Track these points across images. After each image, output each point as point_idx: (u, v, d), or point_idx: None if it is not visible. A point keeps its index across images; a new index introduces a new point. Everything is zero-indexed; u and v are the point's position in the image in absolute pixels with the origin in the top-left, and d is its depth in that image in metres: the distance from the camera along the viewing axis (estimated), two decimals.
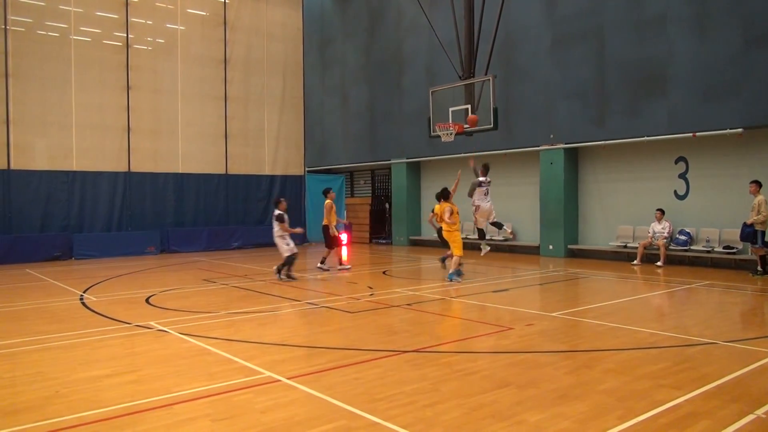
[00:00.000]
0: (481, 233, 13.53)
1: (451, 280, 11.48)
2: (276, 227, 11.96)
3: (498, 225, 13.56)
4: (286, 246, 11.87)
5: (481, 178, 12.88)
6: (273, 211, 12.31)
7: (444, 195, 11.91)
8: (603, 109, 15.38)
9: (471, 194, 12.97)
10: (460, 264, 11.72)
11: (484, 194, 12.80)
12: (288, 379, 5.29)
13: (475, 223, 13.34)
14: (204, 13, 20.36)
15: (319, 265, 13.61)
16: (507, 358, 5.94)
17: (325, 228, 13.61)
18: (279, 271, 12.09)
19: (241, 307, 9.00)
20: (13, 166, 16.72)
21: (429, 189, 20.64)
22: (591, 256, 15.97)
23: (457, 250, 11.70)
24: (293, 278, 11.99)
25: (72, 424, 4.34)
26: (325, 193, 13.99)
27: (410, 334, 7.20)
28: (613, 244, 15.46)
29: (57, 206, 17.35)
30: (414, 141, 20.26)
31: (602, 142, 15.44)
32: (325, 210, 13.56)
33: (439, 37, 15.65)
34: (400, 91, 21.20)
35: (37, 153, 17.21)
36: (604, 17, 15.28)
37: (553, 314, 8.23)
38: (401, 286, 11.11)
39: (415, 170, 21.35)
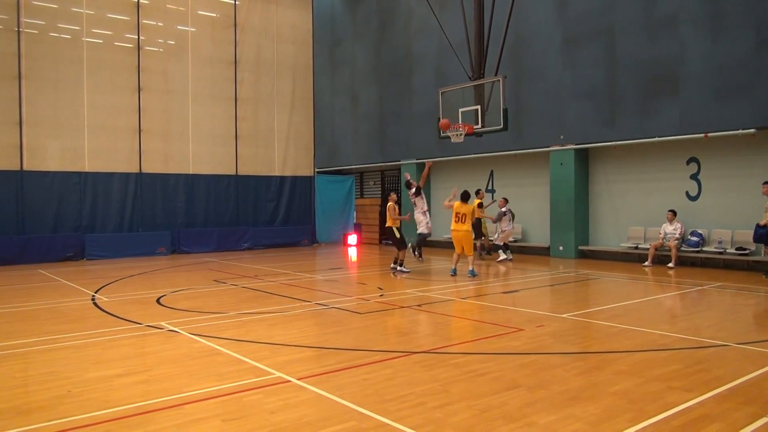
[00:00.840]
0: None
1: (474, 275, 12.28)
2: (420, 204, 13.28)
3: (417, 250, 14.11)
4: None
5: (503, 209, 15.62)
6: (410, 192, 13.88)
7: (467, 197, 12.55)
8: (614, 110, 15.29)
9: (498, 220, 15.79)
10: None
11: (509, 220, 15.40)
12: (298, 379, 5.30)
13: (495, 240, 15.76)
14: (214, 15, 20.46)
15: (399, 268, 13.21)
16: (517, 360, 5.92)
17: (389, 229, 13.51)
18: (414, 250, 13.43)
19: (252, 308, 9.03)
20: (26, 168, 16.87)
21: (439, 190, 20.62)
22: (602, 258, 15.88)
23: (472, 250, 12.53)
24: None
25: (83, 424, 4.37)
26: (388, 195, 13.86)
27: (420, 335, 7.19)
28: (624, 245, 15.37)
29: (69, 207, 17.49)
30: (423, 142, 20.25)
31: (613, 143, 15.36)
32: (388, 212, 13.36)
33: (449, 37, 15.65)
34: (409, 91, 21.20)
35: (50, 154, 17.36)
36: (615, 17, 15.20)
37: (564, 315, 8.19)
38: (411, 287, 11.11)
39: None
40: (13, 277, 13.46)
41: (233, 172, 20.75)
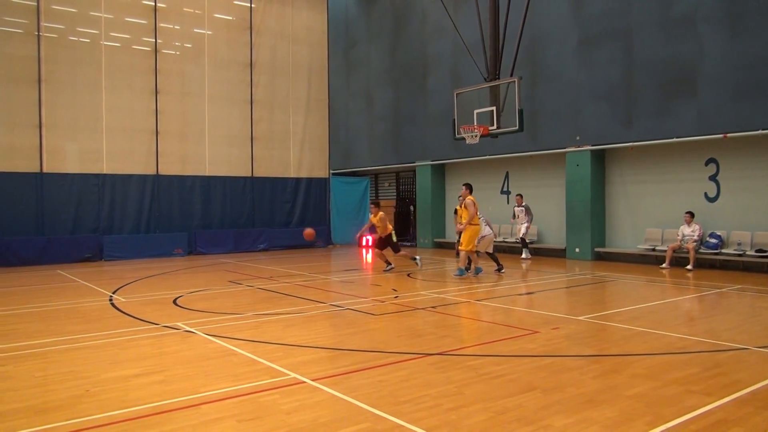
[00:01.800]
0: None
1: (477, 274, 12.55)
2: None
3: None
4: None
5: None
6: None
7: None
8: (631, 110, 15.16)
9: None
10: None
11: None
12: (313, 380, 5.31)
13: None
14: (230, 18, 20.60)
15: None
16: (533, 362, 5.89)
17: (387, 237, 13.88)
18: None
19: (267, 309, 9.08)
20: (45, 170, 17.11)
21: (454, 191, 20.57)
22: (618, 260, 15.74)
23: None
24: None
25: (101, 423, 4.42)
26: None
27: (435, 336, 7.17)
28: (642, 247, 15.22)
29: (88, 208, 17.71)
30: (439, 143, 20.22)
31: (630, 144, 15.22)
32: (382, 222, 13.71)
33: (464, 38, 15.63)
34: (424, 93, 21.18)
35: (69, 156, 17.59)
36: (631, 17, 15.07)
37: (580, 318, 8.13)
38: (426, 289, 11.09)
39: (439, 172, 21.30)
40: (34, 278, 13.65)
41: (249, 174, 20.87)
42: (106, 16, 18.14)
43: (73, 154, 17.68)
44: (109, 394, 5.07)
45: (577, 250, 16.40)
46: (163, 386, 5.27)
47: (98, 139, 18.01)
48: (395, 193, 24.10)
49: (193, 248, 19.15)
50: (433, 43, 20.86)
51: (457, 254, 13.55)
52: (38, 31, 16.99)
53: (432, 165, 20.93)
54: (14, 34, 16.77)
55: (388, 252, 14.21)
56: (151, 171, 18.87)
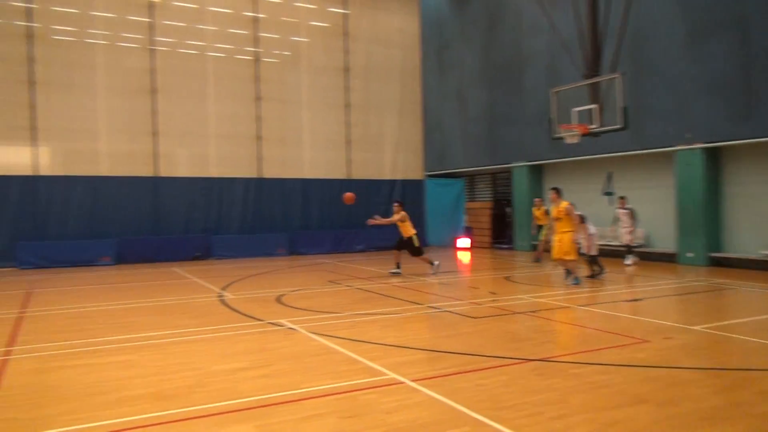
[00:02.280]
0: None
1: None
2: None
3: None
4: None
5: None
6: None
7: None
8: (749, 104, 14.01)
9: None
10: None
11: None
12: (412, 381, 5.32)
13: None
14: (326, 25, 21.16)
15: (396, 270, 13.62)
16: (642, 373, 5.57)
17: (408, 240, 13.74)
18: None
19: (365, 309, 9.21)
20: (160, 174, 18.37)
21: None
22: (737, 266, 14.58)
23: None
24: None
25: (213, 412, 4.66)
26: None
27: (535, 342, 6.97)
28: (765, 252, 14.01)
29: (197, 210, 18.84)
30: (535, 143, 19.68)
31: (749, 141, 14.07)
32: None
33: (561, 35, 15.11)
34: (520, 92, 20.71)
35: (181, 161, 18.82)
36: (747, 4, 13.93)
37: (695, 327, 7.60)
38: (525, 293, 10.81)
39: (537, 173, 20.73)
40: (151, 274, 14.67)
41: (345, 176, 21.33)
42: (211, 28, 19.21)
43: (184, 159, 18.89)
44: (220, 386, 5.34)
45: (689, 254, 15.37)
46: (268, 380, 5.48)
47: (206, 145, 19.11)
48: (491, 195, 23.72)
49: (294, 248, 19.82)
50: (528, 40, 20.34)
51: (556, 260, 12.53)
52: (152, 45, 18.27)
53: (529, 166, 20.40)
54: (132, 50, 18.14)
55: (405, 255, 13.89)
56: (254, 174, 19.75)
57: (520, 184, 20.91)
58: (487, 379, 5.42)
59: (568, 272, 11.81)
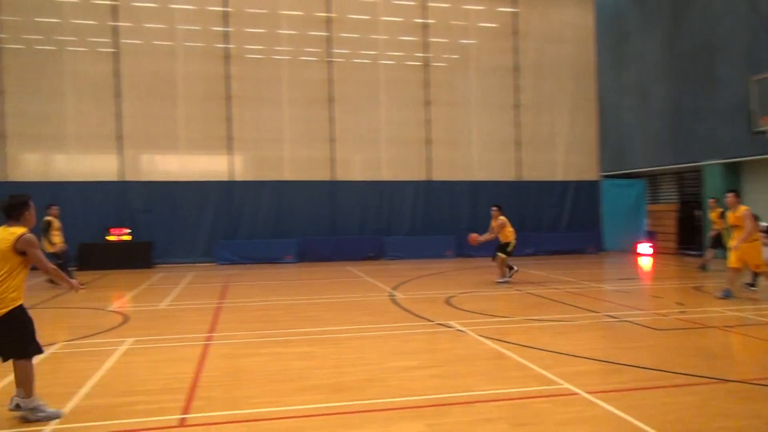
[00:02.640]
0: None
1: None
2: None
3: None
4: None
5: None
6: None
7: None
8: None
9: None
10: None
11: None
12: (587, 393, 5.04)
13: None
14: (495, 25, 20.91)
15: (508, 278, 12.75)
16: None
17: (506, 245, 12.86)
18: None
19: (536, 315, 8.93)
20: (337, 178, 19.51)
21: (752, 194, 17.66)
22: None
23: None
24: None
25: (388, 407, 4.82)
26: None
27: (733, 361, 6.24)
28: None
29: (371, 212, 19.70)
30: (731, 139, 17.58)
31: None
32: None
33: (762, 15, 13.33)
34: (711, 83, 18.64)
35: (355, 166, 19.84)
36: None
37: None
38: (720, 305, 9.70)
39: (732, 172, 18.50)
40: (328, 272, 15.63)
41: (515, 178, 20.89)
42: (383, 38, 19.97)
43: (358, 164, 19.89)
44: (393, 382, 5.52)
45: None
46: (440, 380, 5.54)
47: (377, 149, 19.92)
48: (677, 196, 21.68)
49: (462, 250, 19.84)
50: (721, 25, 18.23)
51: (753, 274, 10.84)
52: (329, 57, 19.48)
53: (723, 164, 18.30)
54: (311, 63, 19.50)
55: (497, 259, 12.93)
56: (423, 177, 20.14)
57: (713, 184, 18.80)
58: (675, 397, 4.96)
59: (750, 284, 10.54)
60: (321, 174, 19.44)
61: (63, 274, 4.99)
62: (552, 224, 21.04)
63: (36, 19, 17.57)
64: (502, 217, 12.99)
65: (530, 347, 6.77)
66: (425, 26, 20.23)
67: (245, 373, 5.95)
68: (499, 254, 12.85)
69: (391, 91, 19.99)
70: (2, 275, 4.47)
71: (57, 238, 13.15)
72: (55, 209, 13.39)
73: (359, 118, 19.72)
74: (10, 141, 17.34)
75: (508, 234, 12.91)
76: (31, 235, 4.63)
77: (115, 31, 17.99)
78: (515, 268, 12.94)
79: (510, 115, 20.92)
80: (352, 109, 19.67)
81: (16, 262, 4.55)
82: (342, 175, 19.60)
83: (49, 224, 13.03)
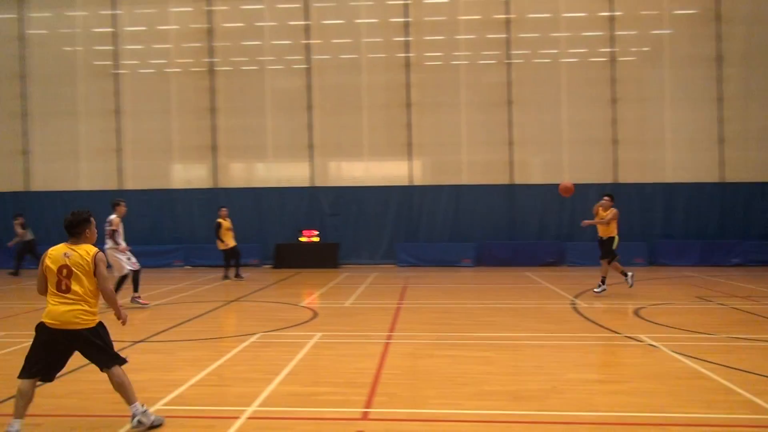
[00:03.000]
0: None
1: None
2: None
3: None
4: None
5: None
6: None
7: None
8: None
9: None
10: None
11: None
12: None
13: None
14: (693, 11, 18.94)
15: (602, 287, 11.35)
16: None
17: (609, 240, 11.51)
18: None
19: (743, 332, 7.90)
20: (516, 181, 19.12)
21: None
22: None
23: None
24: None
25: (568, 421, 4.61)
26: None
27: None
28: None
29: (551, 216, 18.97)
30: None
31: None
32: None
33: None
34: None
35: (534, 168, 19.29)
36: None
37: None
38: None
39: None
40: (506, 277, 15.38)
41: (718, 180, 18.71)
42: (565, 35, 19.15)
43: (538, 167, 19.30)
44: (574, 395, 5.26)
45: None
46: (626, 397, 5.16)
47: (559, 151, 19.13)
48: None
49: (654, 259, 18.27)
50: None
51: None
52: (507, 60, 19.16)
53: None
54: (490, 66, 19.36)
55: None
56: (609, 179, 18.91)
57: None
58: None
59: None
60: (499, 177, 19.21)
61: (117, 301, 4.86)
62: (763, 232, 18.43)
63: (242, 43, 19.79)
64: (614, 209, 11.74)
65: (736, 369, 6.01)
66: (611, 19, 19.01)
67: (424, 374, 6.08)
68: (606, 260, 11.61)
69: (573, 90, 19.10)
70: (94, 289, 4.62)
71: (227, 237, 14.92)
72: (224, 211, 15.24)
73: (539, 119, 19.15)
74: (220, 152, 19.72)
75: (614, 228, 11.67)
76: (103, 254, 4.77)
77: (307, 49, 19.57)
78: (631, 273, 11.66)
79: (711, 110, 18.80)
80: (531, 111, 19.16)
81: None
82: (520, 179, 19.18)
83: (219, 225, 14.87)
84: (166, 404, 5.12)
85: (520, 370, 6.18)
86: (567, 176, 18.94)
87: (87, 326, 4.52)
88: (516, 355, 6.87)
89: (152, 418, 4.57)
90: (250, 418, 4.79)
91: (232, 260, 15.10)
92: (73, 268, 4.52)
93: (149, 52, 20.02)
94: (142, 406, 4.59)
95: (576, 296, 11.49)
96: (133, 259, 10.61)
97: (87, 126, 19.99)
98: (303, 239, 18.65)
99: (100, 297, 4.70)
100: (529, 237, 18.99)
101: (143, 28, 20.03)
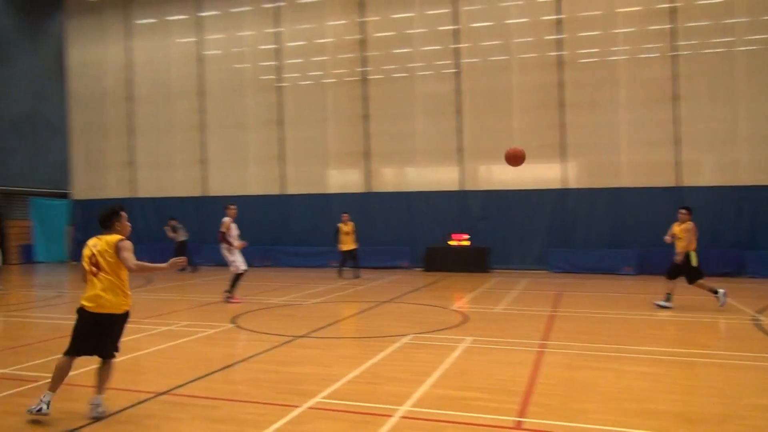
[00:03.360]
0: None
1: None
2: None
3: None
4: None
5: None
6: None
7: None
8: None
9: None
10: None
11: None
12: None
13: None
14: None
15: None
16: None
17: (686, 256, 10.19)
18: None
19: None
20: (684, 183, 17.49)
21: None
22: None
23: None
24: None
25: None
26: None
27: None
28: None
29: (726, 222, 17.01)
30: None
31: None
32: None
33: None
34: None
35: (705, 169, 17.48)
36: None
37: None
38: None
39: None
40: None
41: None
42: (742, 20, 17.16)
43: (710, 167, 17.48)
44: (757, 422, 4.69)
45: None
46: None
47: (735, 150, 17.18)
48: None
49: None
50: None
51: None
52: (673, 52, 17.61)
53: None
54: (652, 59, 17.92)
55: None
56: None
57: None
58: None
59: None
60: (664, 179, 17.70)
61: (151, 264, 5.11)
62: None
63: (393, 52, 20.32)
64: (690, 222, 10.56)
65: None
66: None
67: (582, 386, 5.78)
68: (695, 281, 10.53)
69: (752, 82, 17.07)
70: (123, 278, 4.94)
71: (346, 240, 15.78)
72: (345, 216, 16.07)
73: (711, 115, 17.33)
74: (373, 158, 20.41)
75: (691, 243, 10.51)
76: (126, 242, 4.94)
77: (456, 53, 19.59)
78: (722, 290, 10.44)
79: None
80: (701, 106, 17.43)
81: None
82: (689, 180, 17.51)
83: (338, 230, 15.91)
84: (324, 398, 5.38)
85: (691, 389, 5.65)
86: (745, 177, 17.01)
87: (115, 312, 4.94)
88: (687, 373, 6.28)
89: (100, 410, 4.87)
90: (403, 417, 4.88)
91: (349, 261, 16.07)
92: (99, 257, 4.93)
93: (308, 64, 21.30)
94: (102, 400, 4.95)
95: (759, 311, 10.26)
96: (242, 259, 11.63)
97: (254, 136, 21.78)
98: (452, 243, 18.68)
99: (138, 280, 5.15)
100: (700, 244, 17.20)
101: (303, 43, 21.37)
